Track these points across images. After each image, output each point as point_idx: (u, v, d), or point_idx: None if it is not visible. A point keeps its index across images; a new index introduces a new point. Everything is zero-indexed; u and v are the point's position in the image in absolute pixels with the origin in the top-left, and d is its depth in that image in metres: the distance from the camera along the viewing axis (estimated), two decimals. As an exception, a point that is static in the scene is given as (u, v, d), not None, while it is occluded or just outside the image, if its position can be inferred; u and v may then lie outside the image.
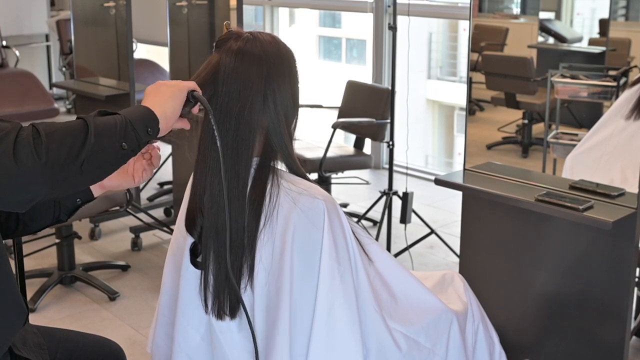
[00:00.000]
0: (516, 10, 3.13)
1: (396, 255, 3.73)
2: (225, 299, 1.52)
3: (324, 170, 3.92)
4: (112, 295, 3.40)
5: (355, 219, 4.03)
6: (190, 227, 1.56)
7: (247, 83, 1.47)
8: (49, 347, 1.65)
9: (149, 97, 1.34)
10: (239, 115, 1.47)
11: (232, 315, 1.53)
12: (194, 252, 1.57)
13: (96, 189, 1.59)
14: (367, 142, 4.42)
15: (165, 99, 1.33)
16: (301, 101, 1.58)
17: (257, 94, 1.47)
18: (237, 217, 1.48)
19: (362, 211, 4.23)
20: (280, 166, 1.56)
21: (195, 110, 1.41)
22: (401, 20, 3.81)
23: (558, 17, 2.98)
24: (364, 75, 5.83)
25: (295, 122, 1.56)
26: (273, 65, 1.48)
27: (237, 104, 1.47)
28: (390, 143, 3.80)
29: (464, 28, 6.05)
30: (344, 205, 4.51)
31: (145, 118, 1.29)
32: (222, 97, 1.47)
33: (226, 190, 1.42)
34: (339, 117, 4.30)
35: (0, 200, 1.17)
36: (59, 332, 1.77)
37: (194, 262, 1.56)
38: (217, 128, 1.40)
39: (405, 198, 3.77)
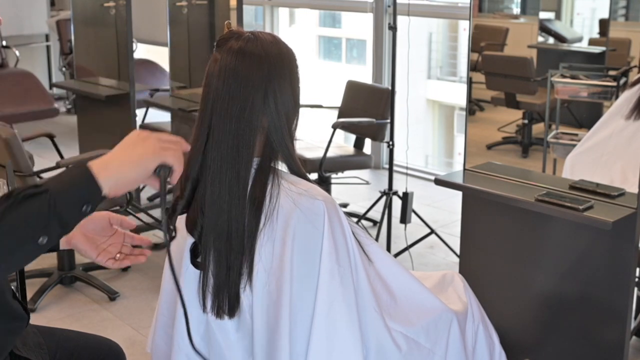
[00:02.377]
0: (516, 10, 3.14)
1: (396, 255, 3.73)
2: (225, 298, 1.52)
3: (324, 170, 3.92)
4: (112, 295, 3.40)
5: (355, 219, 4.03)
6: (190, 227, 1.56)
7: (248, 82, 1.47)
8: (48, 347, 1.65)
9: (121, 150, 1.17)
10: (239, 115, 1.47)
11: (231, 314, 1.53)
12: (194, 253, 1.57)
13: (62, 243, 1.43)
14: (367, 142, 4.42)
15: (130, 164, 1.15)
16: (301, 101, 1.58)
17: (257, 93, 1.47)
18: (237, 217, 1.48)
19: (362, 211, 4.23)
20: (281, 166, 1.56)
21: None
22: (401, 20, 3.81)
23: (558, 17, 2.98)
24: (364, 75, 5.83)
25: (296, 123, 1.56)
26: (274, 65, 1.48)
27: (238, 104, 1.47)
28: (390, 143, 3.80)
29: (464, 28, 6.05)
30: (344, 205, 4.51)
31: (84, 193, 1.10)
32: (223, 97, 1.47)
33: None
34: (339, 117, 4.30)
35: None
36: (59, 332, 1.76)
37: (194, 262, 1.56)
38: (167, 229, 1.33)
39: (405, 198, 3.77)
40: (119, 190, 1.15)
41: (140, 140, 1.18)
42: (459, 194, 2.67)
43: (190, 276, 1.57)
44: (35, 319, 1.65)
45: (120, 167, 1.14)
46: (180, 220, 1.60)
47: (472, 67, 2.87)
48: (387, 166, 3.89)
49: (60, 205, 1.07)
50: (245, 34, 1.51)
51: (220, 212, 1.48)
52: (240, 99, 1.47)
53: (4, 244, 1.05)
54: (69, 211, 1.09)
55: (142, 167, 1.17)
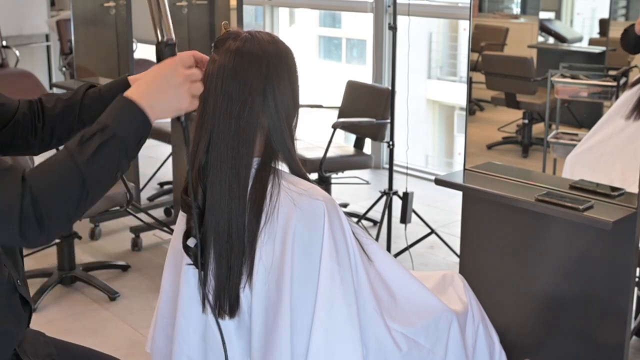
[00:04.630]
0: (516, 10, 3.13)
1: (396, 255, 3.73)
2: (225, 299, 1.52)
3: (324, 170, 3.92)
4: (112, 295, 3.40)
5: (355, 219, 4.04)
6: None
7: (247, 82, 1.47)
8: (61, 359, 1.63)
9: (156, 87, 1.29)
10: (239, 115, 1.47)
11: (232, 314, 1.53)
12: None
13: None
14: (367, 142, 4.42)
15: (167, 107, 1.30)
16: (301, 101, 1.58)
17: (256, 93, 1.47)
18: (237, 217, 1.48)
19: (362, 211, 4.23)
20: (281, 166, 1.56)
21: None
22: (401, 20, 3.81)
23: (558, 17, 2.98)
24: (364, 75, 5.83)
25: (296, 122, 1.56)
26: (272, 64, 1.48)
27: (237, 104, 1.47)
28: (391, 143, 3.80)
29: (464, 28, 6.05)
30: (344, 205, 4.51)
31: (141, 131, 1.25)
32: (222, 97, 1.47)
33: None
34: (339, 117, 4.30)
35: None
36: (74, 347, 1.71)
37: (195, 263, 1.55)
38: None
39: (406, 198, 3.77)
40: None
41: (174, 86, 1.30)
42: (459, 194, 2.67)
43: (190, 276, 1.58)
44: (35, 319, 1.64)
45: (153, 110, 1.27)
46: (181, 219, 1.60)
47: (472, 67, 2.87)
48: (387, 166, 3.89)
49: (129, 147, 1.24)
50: (243, 34, 1.51)
51: (220, 212, 1.48)
52: (240, 99, 1.47)
53: (95, 187, 1.22)
54: (134, 149, 1.26)
55: (170, 113, 1.32)
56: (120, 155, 1.23)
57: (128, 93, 1.27)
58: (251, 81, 1.47)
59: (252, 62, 1.47)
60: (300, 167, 1.57)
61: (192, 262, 1.56)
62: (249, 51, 1.48)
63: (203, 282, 1.54)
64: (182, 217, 1.59)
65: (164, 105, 1.29)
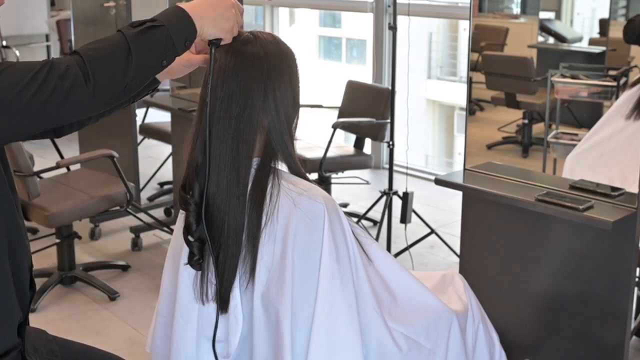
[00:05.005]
0: (516, 10, 3.13)
1: (396, 255, 3.73)
2: (219, 295, 1.52)
3: (324, 170, 3.92)
4: (112, 295, 3.40)
5: (355, 219, 4.03)
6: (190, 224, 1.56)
7: (248, 82, 1.47)
8: (62, 357, 1.63)
9: (212, 7, 1.37)
10: (239, 114, 1.47)
11: (223, 310, 1.53)
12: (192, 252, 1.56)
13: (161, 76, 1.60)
14: (367, 142, 4.42)
15: (214, 23, 1.37)
16: (301, 101, 1.58)
17: (257, 93, 1.47)
18: (236, 215, 1.48)
19: (362, 211, 4.23)
20: (281, 166, 1.56)
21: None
22: (401, 20, 3.81)
23: (558, 17, 2.98)
24: (364, 75, 5.83)
25: (296, 122, 1.56)
26: (273, 65, 1.49)
27: (238, 104, 1.47)
28: (391, 143, 3.80)
29: (464, 28, 6.05)
30: (344, 205, 4.51)
31: (187, 32, 1.33)
32: (223, 97, 1.47)
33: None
34: (339, 117, 4.30)
35: (53, 123, 1.29)
36: (74, 345, 1.72)
37: (191, 262, 1.55)
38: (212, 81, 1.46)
39: (406, 198, 3.77)
40: (202, 37, 1.40)
41: (224, 8, 1.39)
42: (459, 194, 2.67)
43: (189, 276, 1.57)
44: (35, 319, 1.64)
45: (201, 21, 1.36)
46: (180, 219, 1.60)
47: (472, 67, 2.87)
48: (387, 166, 3.88)
49: (176, 41, 1.32)
50: (245, 34, 1.51)
51: (218, 211, 1.48)
52: (240, 99, 1.47)
53: (143, 60, 1.28)
54: (181, 46, 1.33)
55: (214, 29, 1.39)
56: (167, 44, 1.29)
57: (180, 5, 1.36)
58: (252, 81, 1.47)
59: (253, 63, 1.47)
60: (300, 167, 1.57)
61: (188, 262, 1.56)
62: (250, 51, 1.48)
63: (201, 278, 1.54)
64: (182, 216, 1.59)
65: (211, 20, 1.37)
